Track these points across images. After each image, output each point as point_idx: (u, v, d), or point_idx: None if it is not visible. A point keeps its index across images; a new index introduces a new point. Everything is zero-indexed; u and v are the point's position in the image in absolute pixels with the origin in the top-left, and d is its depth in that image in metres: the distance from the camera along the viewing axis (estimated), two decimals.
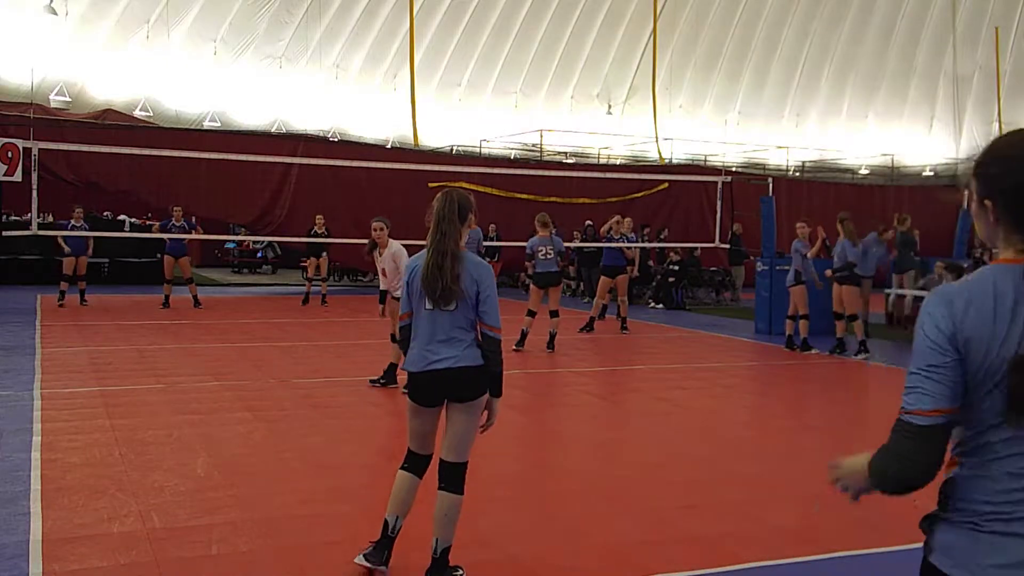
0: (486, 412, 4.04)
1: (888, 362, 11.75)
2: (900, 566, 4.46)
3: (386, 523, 4.11)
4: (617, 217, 14.57)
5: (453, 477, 3.99)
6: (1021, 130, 1.86)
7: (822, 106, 35.90)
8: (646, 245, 19.19)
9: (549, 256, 12.08)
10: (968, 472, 1.87)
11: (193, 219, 17.05)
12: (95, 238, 18.30)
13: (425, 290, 3.90)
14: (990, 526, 1.80)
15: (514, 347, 11.56)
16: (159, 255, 20.30)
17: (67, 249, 15.45)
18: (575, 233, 20.37)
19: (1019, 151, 1.82)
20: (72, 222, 15.59)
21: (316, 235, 16.77)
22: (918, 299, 14.36)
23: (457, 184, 21.58)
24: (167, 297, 15.59)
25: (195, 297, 15.77)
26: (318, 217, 16.78)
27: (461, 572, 4.08)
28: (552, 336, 11.89)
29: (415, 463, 4.13)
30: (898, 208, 22.13)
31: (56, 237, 15.70)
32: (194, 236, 16.28)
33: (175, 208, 15.73)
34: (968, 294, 1.82)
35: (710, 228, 18.75)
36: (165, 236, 15.57)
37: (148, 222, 20.82)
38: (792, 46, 34.73)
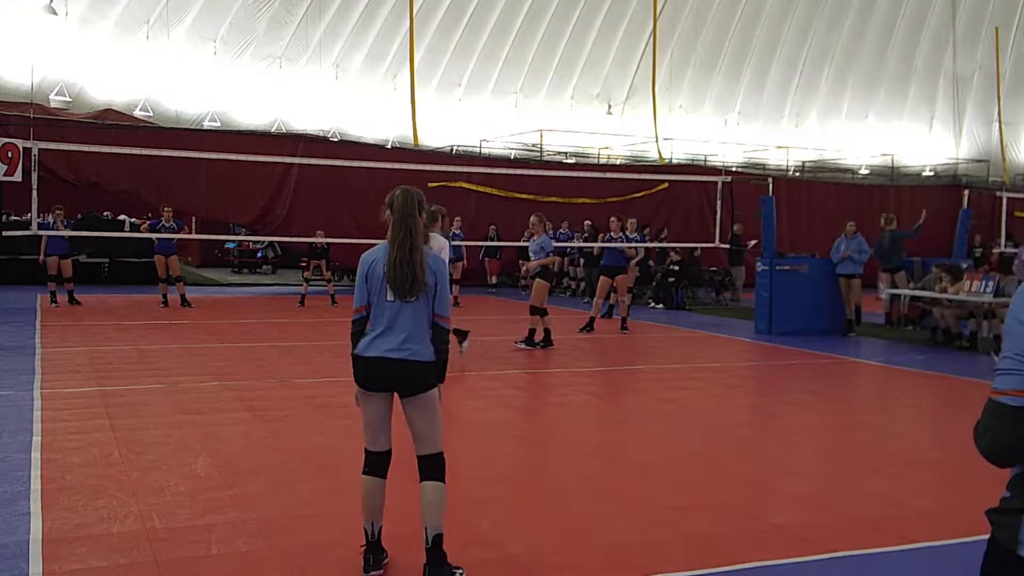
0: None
1: (887, 362, 11.75)
2: (900, 566, 4.47)
3: (365, 531, 4.15)
4: (614, 218, 14.53)
5: (432, 467, 4.08)
6: None
7: (822, 106, 35.92)
8: (647, 245, 19.19)
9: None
10: None
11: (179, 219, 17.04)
12: (98, 238, 18.34)
13: (392, 284, 4.00)
14: None
15: (541, 345, 11.78)
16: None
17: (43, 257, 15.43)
18: (574, 234, 20.39)
19: None
20: (51, 221, 15.52)
21: (315, 247, 16.79)
22: (915, 299, 14.38)
23: (457, 184, 21.70)
24: (164, 296, 15.64)
25: (183, 296, 15.75)
26: (318, 232, 16.80)
27: (462, 572, 4.07)
28: (548, 333, 12.07)
29: (374, 464, 4.16)
30: (898, 208, 22.14)
31: (41, 238, 15.59)
32: (181, 236, 16.29)
33: (165, 208, 15.81)
34: None
35: (710, 228, 18.75)
36: (153, 236, 15.61)
37: (148, 222, 20.83)
38: (792, 46, 34.74)
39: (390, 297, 4.03)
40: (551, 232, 20.32)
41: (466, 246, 19.41)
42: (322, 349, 11.59)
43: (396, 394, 4.13)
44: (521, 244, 17.28)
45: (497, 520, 4.96)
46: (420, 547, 4.32)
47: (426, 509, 4.02)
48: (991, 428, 1.88)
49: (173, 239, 15.75)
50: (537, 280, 12.09)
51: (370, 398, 4.11)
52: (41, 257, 15.44)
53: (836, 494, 5.67)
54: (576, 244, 20.02)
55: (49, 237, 15.33)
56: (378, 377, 4.06)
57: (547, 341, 11.90)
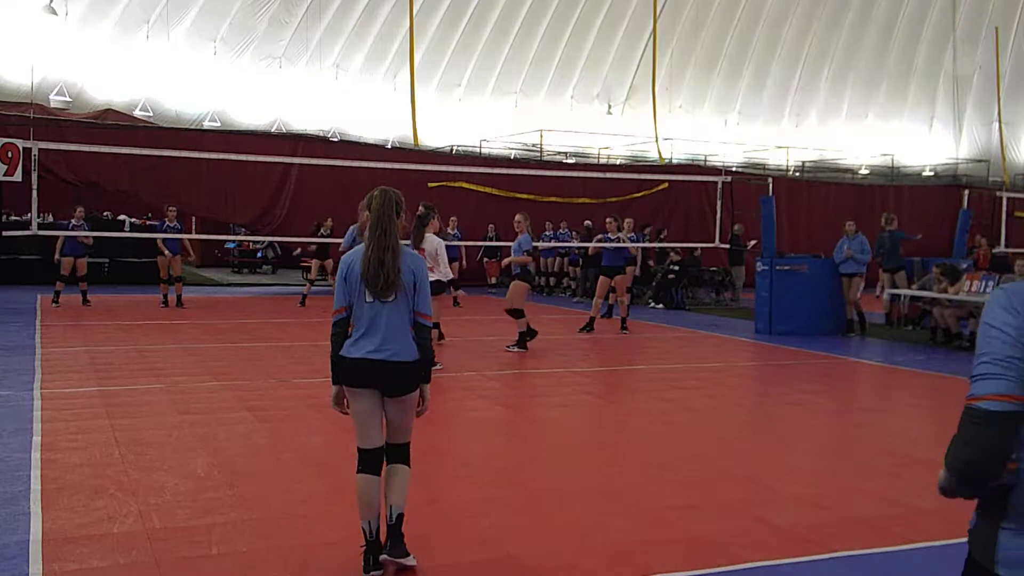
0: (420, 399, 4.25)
1: (887, 362, 11.75)
2: (900, 566, 4.47)
3: (363, 530, 4.16)
4: (610, 218, 14.46)
5: (400, 454, 4.25)
6: None
7: (822, 106, 35.92)
8: (646, 245, 19.20)
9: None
10: None
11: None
12: (98, 238, 18.31)
13: (366, 284, 4.05)
14: None
15: (515, 348, 11.61)
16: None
17: (88, 241, 15.49)
18: (573, 233, 20.38)
19: None
20: (72, 222, 15.59)
21: (323, 235, 16.77)
22: (915, 299, 14.39)
23: (457, 184, 21.67)
24: (165, 296, 15.64)
25: (179, 296, 15.74)
26: (329, 220, 16.77)
27: (413, 558, 4.14)
28: (522, 333, 11.83)
29: (368, 461, 4.20)
30: (898, 208, 22.15)
31: (58, 237, 15.66)
32: (182, 236, 16.33)
33: (169, 208, 15.80)
34: None
35: (710, 228, 18.75)
36: (160, 236, 15.63)
37: (148, 222, 20.81)
38: (792, 46, 34.75)
39: (369, 298, 4.08)
40: (551, 232, 20.48)
41: (466, 246, 19.40)
42: (322, 349, 11.55)
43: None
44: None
45: (497, 520, 4.96)
46: (421, 548, 4.33)
47: (394, 489, 4.17)
48: (975, 438, 1.78)
49: (179, 239, 15.80)
50: (514, 282, 11.91)
51: (357, 395, 4.15)
52: (56, 256, 15.44)
53: (836, 494, 5.67)
54: (565, 244, 20.03)
55: (68, 237, 15.40)
56: (362, 376, 4.11)
57: (530, 333, 11.70)
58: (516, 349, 11.61)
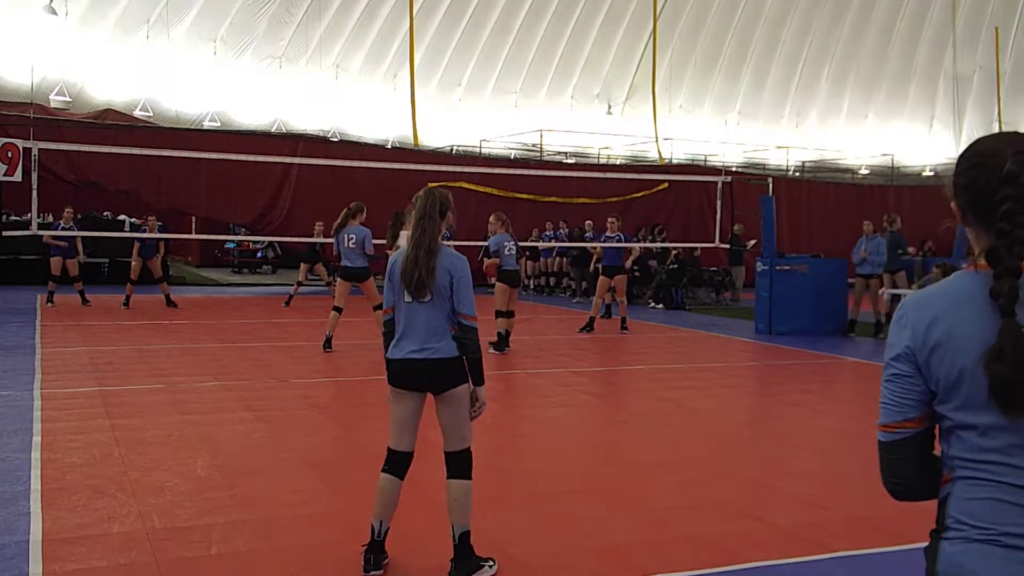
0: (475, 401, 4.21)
1: None
2: (900, 566, 4.46)
3: (372, 527, 4.17)
4: (612, 218, 14.44)
5: (458, 464, 4.15)
6: (992, 134, 1.80)
7: (822, 106, 35.90)
8: (646, 245, 19.20)
9: (512, 252, 11.88)
10: (961, 486, 1.76)
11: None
12: (95, 238, 18.36)
13: (403, 282, 4.04)
14: (1004, 540, 1.68)
15: (492, 349, 11.36)
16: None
17: (63, 244, 15.45)
18: (574, 233, 20.40)
19: (979, 148, 1.77)
20: (61, 224, 15.57)
21: (314, 248, 16.75)
22: None
23: (457, 184, 21.71)
24: (128, 297, 15.51)
25: (167, 296, 15.74)
26: (318, 224, 16.70)
27: (492, 563, 4.15)
28: (507, 335, 11.72)
29: (395, 463, 4.21)
30: (898, 208, 22.13)
31: (50, 237, 15.59)
32: (181, 236, 16.51)
33: (149, 218, 15.95)
34: (931, 304, 1.76)
35: (710, 228, 18.74)
36: (138, 237, 15.80)
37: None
38: (792, 46, 34.72)
39: (407, 298, 4.06)
40: (551, 232, 20.47)
41: (454, 246, 19.40)
42: (322, 350, 11.58)
43: (431, 396, 4.16)
44: (522, 244, 17.26)
45: (497, 520, 4.96)
46: (421, 548, 4.33)
47: (451, 507, 4.11)
48: (883, 465, 1.86)
49: (156, 244, 15.87)
50: (497, 284, 11.87)
51: (400, 397, 4.16)
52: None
53: (836, 494, 5.67)
54: (560, 244, 20.02)
55: (58, 238, 15.40)
56: (405, 377, 4.11)
57: (501, 343, 11.60)
58: (492, 351, 11.35)
